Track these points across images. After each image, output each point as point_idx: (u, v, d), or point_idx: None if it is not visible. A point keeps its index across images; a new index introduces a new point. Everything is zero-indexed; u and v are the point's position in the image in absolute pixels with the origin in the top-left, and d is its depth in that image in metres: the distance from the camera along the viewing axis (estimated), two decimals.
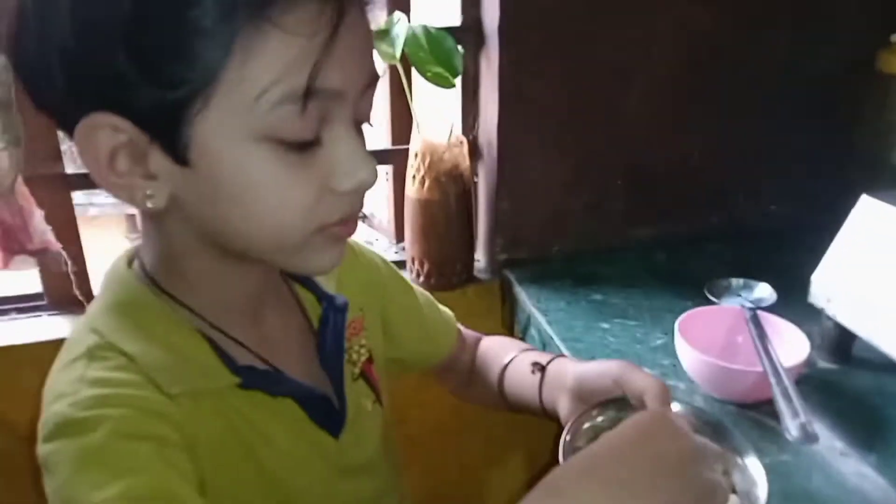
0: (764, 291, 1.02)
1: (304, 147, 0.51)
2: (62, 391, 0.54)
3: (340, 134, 0.53)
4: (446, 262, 1.22)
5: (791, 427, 0.74)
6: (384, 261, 0.83)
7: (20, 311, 1.21)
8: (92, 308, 0.61)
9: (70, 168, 1.15)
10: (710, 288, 1.03)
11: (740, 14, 1.22)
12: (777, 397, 0.78)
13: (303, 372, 0.66)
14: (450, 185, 1.17)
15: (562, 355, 0.85)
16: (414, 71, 1.13)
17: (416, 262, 1.23)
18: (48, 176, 1.12)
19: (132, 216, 2.86)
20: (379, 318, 0.80)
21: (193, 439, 0.56)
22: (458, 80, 1.19)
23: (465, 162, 1.18)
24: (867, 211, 0.91)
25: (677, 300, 1.12)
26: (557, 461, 0.61)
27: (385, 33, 1.10)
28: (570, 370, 0.74)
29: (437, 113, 1.31)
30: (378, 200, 1.41)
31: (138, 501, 0.49)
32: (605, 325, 1.08)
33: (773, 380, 0.81)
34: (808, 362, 0.93)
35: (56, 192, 1.14)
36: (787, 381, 0.80)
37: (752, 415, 0.87)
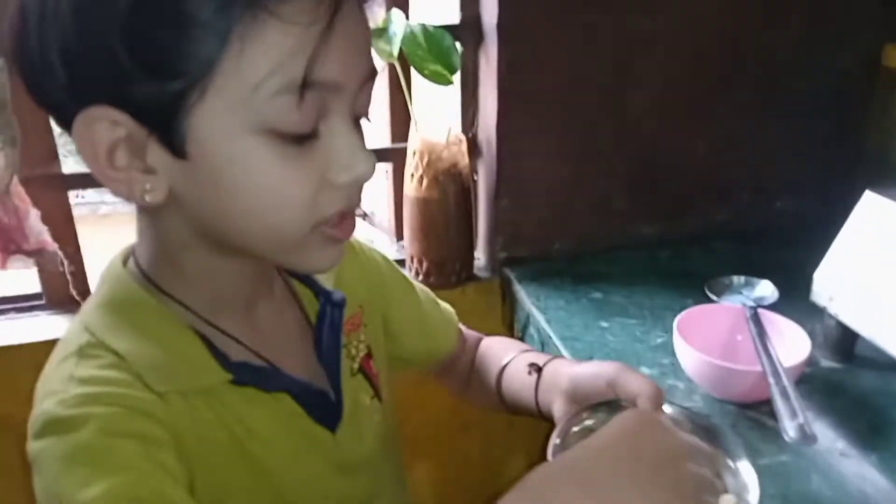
0: (766, 289, 1.00)
1: (302, 140, 0.51)
2: (51, 389, 0.54)
3: (338, 127, 0.52)
4: (445, 261, 1.21)
5: (789, 428, 0.73)
6: (385, 258, 0.83)
7: (19, 310, 1.21)
8: (86, 306, 0.61)
9: (67, 168, 1.15)
10: (711, 286, 1.02)
11: (748, 8, 1.21)
12: (775, 397, 0.77)
13: (300, 367, 0.66)
14: (448, 184, 1.16)
15: (560, 356, 0.84)
16: (412, 69, 1.12)
17: (415, 261, 1.22)
18: (45, 176, 1.12)
19: None
20: (379, 315, 0.79)
21: (182, 437, 0.56)
22: (457, 78, 1.19)
23: (464, 160, 1.17)
24: (871, 207, 0.89)
25: (679, 298, 1.11)
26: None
27: (383, 31, 1.09)
28: (565, 372, 0.73)
29: (437, 111, 1.30)
30: (378, 199, 1.40)
31: (124, 500, 0.49)
32: (605, 324, 1.07)
33: (771, 380, 0.79)
34: (810, 362, 0.91)
35: (53, 191, 1.14)
36: (786, 381, 0.79)
37: (752, 415, 0.86)
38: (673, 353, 0.92)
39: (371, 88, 0.56)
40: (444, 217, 1.17)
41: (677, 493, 0.49)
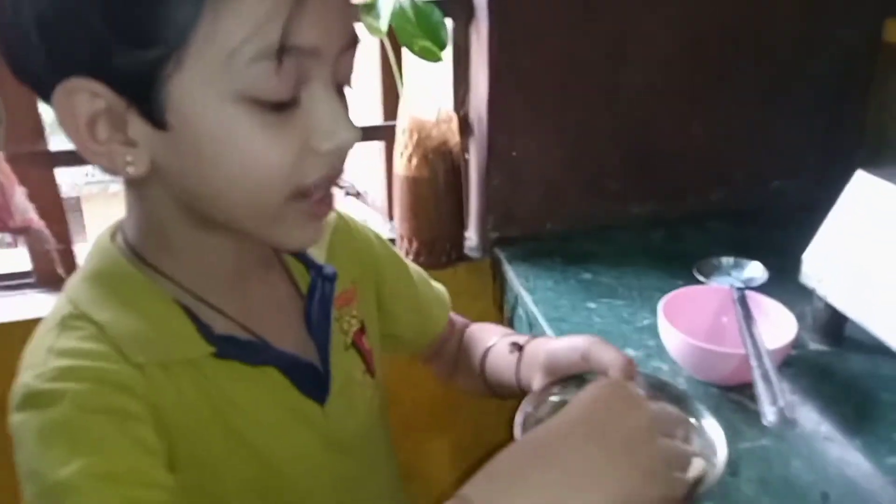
0: (755, 271, 0.99)
1: (282, 107, 0.51)
2: (31, 361, 0.54)
3: (319, 94, 0.52)
4: (435, 240, 1.20)
5: (768, 412, 0.72)
6: (378, 236, 0.82)
7: (9, 288, 1.21)
8: (72, 279, 0.61)
9: (54, 145, 1.14)
10: (700, 267, 1.00)
11: None
12: (757, 381, 0.76)
13: (289, 340, 0.66)
14: (438, 162, 1.14)
15: (543, 335, 0.84)
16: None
17: (405, 240, 1.21)
18: (31, 153, 1.12)
19: None
20: (372, 292, 0.79)
21: (162, 409, 0.56)
22: (448, 55, 1.17)
23: (455, 138, 1.16)
24: (862, 187, 0.88)
25: (669, 279, 1.10)
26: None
27: (371, 7, 1.08)
28: (543, 347, 0.73)
29: (430, 88, 1.28)
30: (372, 178, 1.39)
31: (99, 479, 0.49)
32: (592, 305, 1.06)
33: (754, 362, 0.78)
34: (797, 344, 0.90)
35: (40, 169, 1.13)
36: (768, 364, 0.78)
37: (735, 398, 0.85)
38: (659, 335, 0.91)
39: (353, 55, 0.55)
40: (433, 196, 1.16)
41: (649, 471, 0.48)
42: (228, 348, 0.60)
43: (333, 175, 0.57)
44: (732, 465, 0.75)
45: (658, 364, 0.92)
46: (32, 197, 1.12)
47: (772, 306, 0.90)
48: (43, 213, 1.13)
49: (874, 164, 0.89)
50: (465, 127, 1.24)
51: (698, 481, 0.53)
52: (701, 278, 0.99)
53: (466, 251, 1.28)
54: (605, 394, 0.52)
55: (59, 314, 0.57)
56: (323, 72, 0.52)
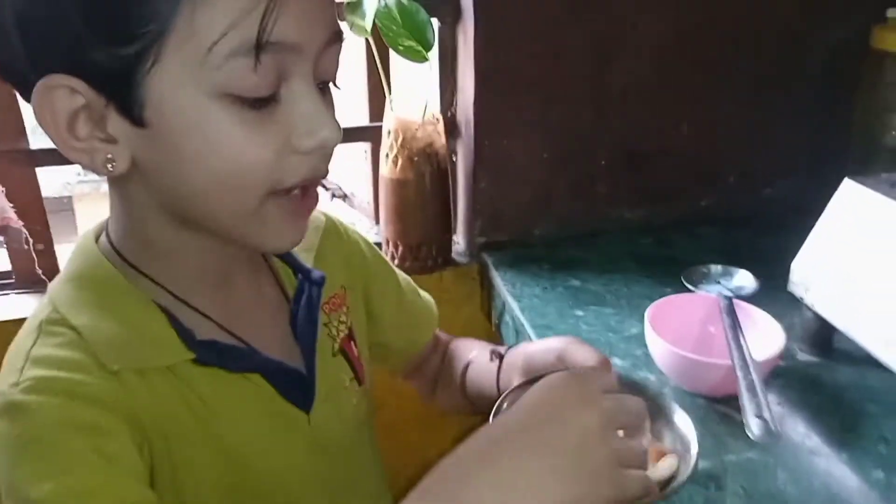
0: (744, 279, 0.97)
1: (262, 104, 0.50)
2: (11, 366, 0.54)
3: (300, 91, 0.52)
4: (421, 245, 1.18)
5: (752, 424, 0.70)
6: (367, 243, 0.82)
7: None
8: (56, 279, 0.60)
9: (35, 144, 1.13)
10: (688, 275, 0.99)
11: None
12: (742, 392, 0.74)
13: (274, 345, 0.65)
14: (424, 164, 1.13)
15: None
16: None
17: (390, 244, 1.19)
18: (12, 151, 1.10)
19: None
20: (362, 299, 0.78)
21: (139, 416, 0.55)
22: (435, 55, 1.16)
23: (441, 140, 1.14)
24: (849, 196, 0.86)
25: (658, 287, 1.08)
26: None
27: (356, 5, 1.06)
28: (521, 351, 0.73)
29: (417, 89, 1.27)
30: (358, 180, 1.37)
31: (72, 497, 0.49)
32: (580, 313, 1.04)
33: (739, 373, 0.77)
34: (785, 355, 0.89)
35: (20, 167, 1.11)
36: (754, 376, 0.76)
37: (722, 409, 0.83)
38: (646, 344, 0.90)
39: (337, 52, 0.54)
40: (419, 199, 1.15)
41: (598, 473, 0.47)
42: (209, 354, 0.59)
43: (317, 176, 0.56)
44: (717, 479, 0.73)
45: (645, 374, 0.91)
46: (12, 196, 1.10)
47: (760, 316, 0.89)
48: (23, 213, 1.12)
49: (863, 169, 0.87)
50: (452, 129, 1.22)
51: (670, 478, 0.53)
52: (689, 286, 0.98)
53: (454, 256, 1.26)
54: (556, 393, 0.51)
55: (40, 316, 0.57)
56: (304, 68, 0.51)
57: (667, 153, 1.26)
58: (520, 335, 1.05)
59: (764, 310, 0.89)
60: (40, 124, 0.50)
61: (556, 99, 1.17)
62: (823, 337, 0.91)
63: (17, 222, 1.09)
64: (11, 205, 1.09)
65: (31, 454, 0.50)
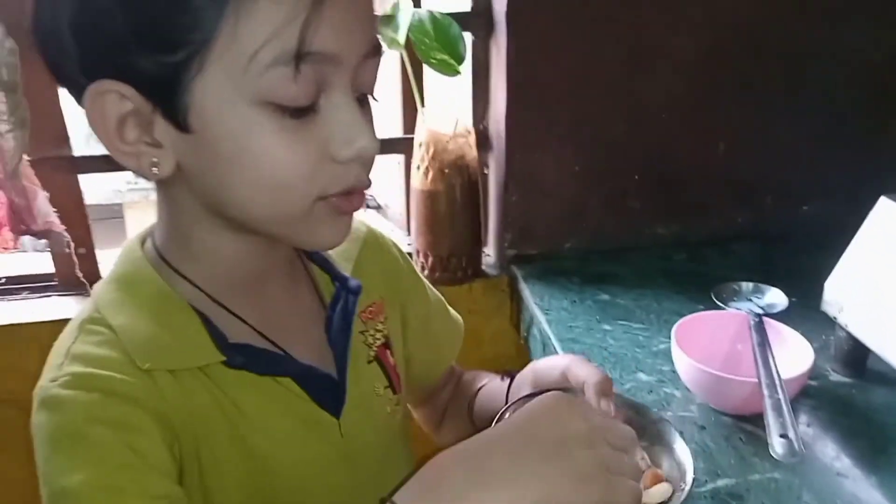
0: (775, 297, 0.96)
1: (302, 113, 0.51)
2: (52, 362, 0.56)
3: (338, 101, 0.52)
4: (451, 256, 1.19)
5: (776, 443, 0.69)
6: (404, 256, 0.82)
7: (32, 290, 1.23)
8: (100, 281, 0.62)
9: (78, 151, 1.16)
10: (718, 292, 0.98)
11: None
12: (767, 411, 0.73)
13: (308, 350, 0.65)
14: (455, 176, 1.13)
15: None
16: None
17: (421, 255, 1.20)
18: (55, 158, 1.13)
19: None
20: (398, 311, 0.78)
21: (170, 415, 0.56)
22: (468, 68, 1.16)
23: (472, 152, 1.15)
24: (886, 215, 0.84)
25: (689, 304, 1.07)
26: None
27: (390, 19, 1.07)
28: (530, 367, 0.73)
29: (451, 102, 1.28)
30: (392, 191, 1.38)
31: (101, 490, 0.51)
32: (608, 327, 1.04)
33: (765, 392, 0.75)
34: (815, 375, 0.87)
35: (63, 174, 1.15)
36: (781, 394, 0.75)
37: (748, 428, 0.82)
38: (673, 361, 0.89)
39: (376, 65, 0.55)
40: (449, 210, 1.15)
41: (583, 475, 0.47)
42: (239, 357, 0.60)
43: (358, 186, 0.56)
44: (740, 498, 0.72)
45: (671, 391, 0.90)
46: (56, 202, 1.14)
47: (790, 334, 0.87)
48: (66, 218, 1.15)
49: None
50: (484, 141, 1.23)
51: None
52: (719, 303, 0.96)
53: (484, 268, 1.26)
54: (547, 404, 0.51)
55: (83, 315, 0.59)
56: (343, 79, 0.52)
57: (702, 170, 1.25)
58: (546, 348, 1.04)
59: (796, 329, 0.88)
60: (91, 127, 0.52)
61: (588, 113, 1.17)
62: (857, 357, 0.89)
63: (59, 227, 1.12)
64: (55, 209, 1.13)
65: (65, 446, 0.52)
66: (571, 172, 1.20)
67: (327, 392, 0.66)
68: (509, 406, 0.67)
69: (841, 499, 0.72)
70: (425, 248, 1.19)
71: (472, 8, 1.16)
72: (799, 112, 1.22)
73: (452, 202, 1.15)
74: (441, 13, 1.08)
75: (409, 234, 1.34)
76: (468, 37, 1.14)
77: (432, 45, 1.07)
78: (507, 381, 0.75)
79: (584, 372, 0.65)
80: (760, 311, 0.92)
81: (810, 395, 0.87)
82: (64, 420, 0.53)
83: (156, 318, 0.58)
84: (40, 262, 1.26)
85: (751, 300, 0.97)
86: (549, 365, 0.70)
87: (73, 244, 1.15)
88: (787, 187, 1.28)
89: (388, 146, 1.26)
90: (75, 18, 0.50)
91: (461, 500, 0.46)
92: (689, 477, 0.59)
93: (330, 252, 0.70)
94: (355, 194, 0.57)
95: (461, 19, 1.11)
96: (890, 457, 0.77)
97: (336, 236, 0.59)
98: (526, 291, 1.15)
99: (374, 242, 0.76)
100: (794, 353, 0.84)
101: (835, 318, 0.88)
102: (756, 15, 1.15)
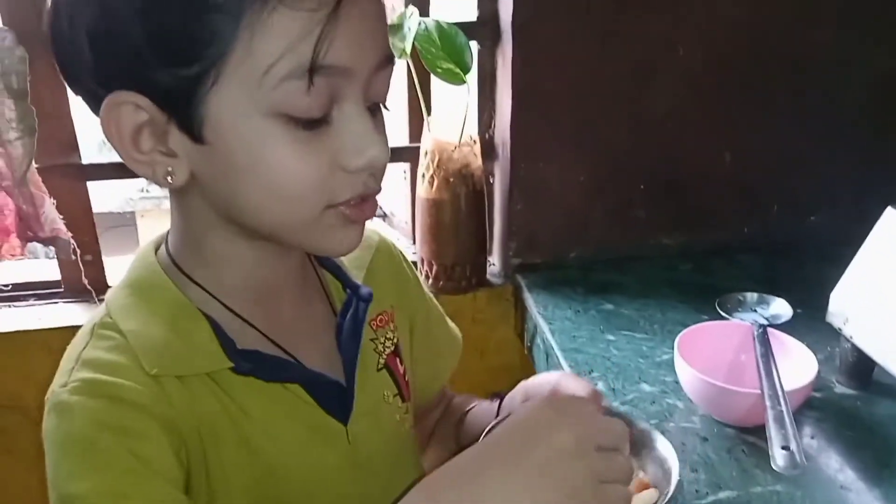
0: (780, 308, 0.95)
1: (314, 124, 0.52)
2: (63, 367, 0.57)
3: (350, 112, 0.53)
4: (455, 265, 1.19)
5: (777, 455, 0.68)
6: (411, 267, 0.82)
7: (38, 297, 1.24)
8: (113, 286, 0.63)
9: (87, 159, 1.17)
10: (722, 302, 0.97)
11: (779, 7, 1.15)
12: (769, 422, 0.72)
13: (317, 357, 0.66)
14: (459, 185, 1.14)
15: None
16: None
17: (425, 264, 1.20)
18: (63, 165, 1.14)
19: None
20: (407, 320, 0.79)
21: (177, 421, 0.56)
22: (474, 78, 1.17)
23: (477, 161, 1.15)
24: (893, 224, 0.84)
25: (694, 314, 1.06)
26: None
27: (397, 28, 1.08)
28: (520, 386, 0.73)
29: (457, 111, 1.28)
30: (397, 200, 1.39)
31: (108, 497, 0.51)
32: (611, 337, 1.03)
33: (768, 403, 0.75)
34: (821, 386, 0.87)
35: (71, 181, 1.16)
36: (783, 406, 0.74)
37: (751, 439, 0.81)
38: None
39: (388, 75, 0.56)
40: (454, 219, 1.15)
41: (575, 489, 0.47)
42: (247, 364, 0.60)
43: (368, 194, 0.57)
44: None
45: (673, 401, 0.89)
46: (63, 208, 1.14)
47: (794, 346, 0.86)
48: (73, 225, 1.16)
49: None
50: (489, 150, 1.23)
51: None
52: (723, 314, 0.96)
53: (488, 277, 1.26)
54: (532, 416, 0.51)
55: (95, 320, 0.59)
56: (355, 90, 0.53)
57: (708, 179, 1.24)
58: (550, 358, 1.04)
59: (801, 340, 0.87)
60: (106, 137, 0.53)
61: (594, 122, 1.17)
62: (862, 370, 0.88)
63: (66, 234, 1.13)
64: (63, 217, 1.13)
65: (73, 452, 0.53)
66: (576, 181, 1.20)
67: (335, 399, 0.66)
68: (500, 421, 0.66)
69: None
70: (430, 256, 1.19)
71: (479, 17, 1.17)
72: (806, 121, 1.22)
73: (457, 211, 1.15)
74: (447, 23, 1.08)
75: (413, 243, 1.34)
76: (474, 46, 1.14)
77: (438, 55, 1.08)
78: (497, 401, 0.75)
79: (573, 387, 0.65)
80: (765, 322, 0.91)
81: (815, 406, 0.87)
82: (72, 426, 0.53)
83: (166, 323, 0.58)
84: (47, 268, 1.27)
85: (755, 311, 0.96)
86: (540, 382, 0.70)
87: (78, 251, 1.16)
88: (794, 197, 1.27)
89: (394, 155, 1.25)
90: (93, 29, 0.50)
91: None
92: (675, 478, 0.59)
93: (342, 259, 0.71)
94: (366, 203, 0.57)
95: (467, 29, 1.11)
96: (894, 470, 0.76)
97: (347, 244, 0.59)
98: (530, 301, 1.15)
99: (387, 251, 0.77)
100: (798, 365, 0.84)
101: (840, 329, 0.87)
102: (761, 23, 1.15)
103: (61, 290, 1.24)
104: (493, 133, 1.23)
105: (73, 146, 1.16)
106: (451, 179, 1.13)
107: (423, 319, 0.82)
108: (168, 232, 0.63)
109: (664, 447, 0.62)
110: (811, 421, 0.85)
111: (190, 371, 0.58)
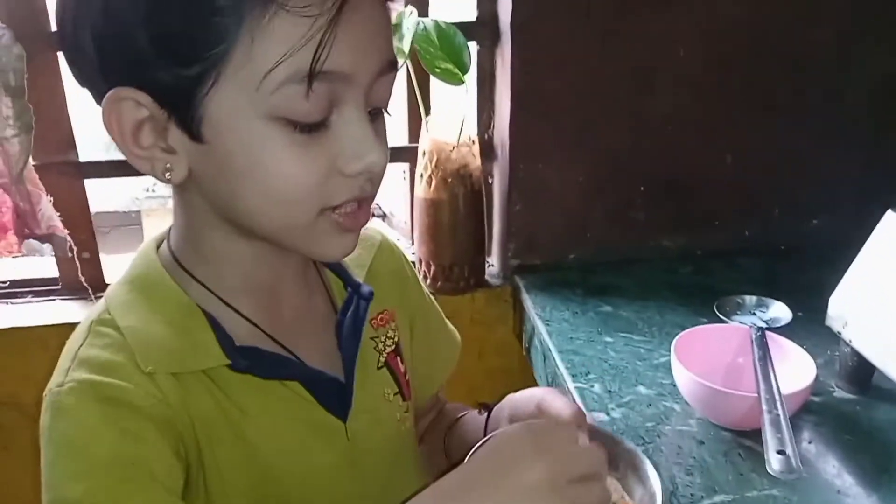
0: (779, 311, 0.94)
1: (313, 128, 0.52)
2: (62, 364, 0.57)
3: (350, 118, 0.53)
4: (453, 265, 1.18)
5: (773, 459, 0.67)
6: (412, 268, 0.82)
7: (35, 294, 1.24)
8: (114, 282, 0.63)
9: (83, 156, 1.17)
10: (721, 305, 0.96)
11: (779, 7, 1.14)
12: (765, 426, 0.72)
13: (317, 355, 0.66)
14: (457, 186, 1.13)
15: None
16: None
17: (423, 264, 1.19)
18: (60, 163, 1.14)
19: None
20: (407, 321, 0.78)
21: (172, 422, 0.56)
22: (473, 78, 1.16)
23: (475, 162, 1.14)
24: (893, 228, 0.83)
25: (693, 317, 1.05)
26: None
27: (396, 28, 1.07)
28: (507, 399, 0.72)
29: (456, 111, 1.27)
30: (396, 200, 1.38)
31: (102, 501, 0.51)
32: (609, 339, 1.02)
33: (764, 406, 0.74)
34: (819, 391, 0.86)
35: (68, 179, 1.15)
36: (780, 409, 0.73)
37: (748, 443, 0.81)
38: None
39: (390, 81, 0.56)
40: (452, 220, 1.15)
41: None
42: (244, 361, 0.60)
43: (363, 197, 0.57)
44: None
45: (670, 404, 0.88)
46: (60, 206, 1.14)
47: (793, 349, 0.86)
48: (70, 223, 1.16)
49: None
50: (488, 151, 1.22)
51: None
52: (721, 316, 0.95)
53: (487, 278, 1.26)
54: (508, 447, 0.51)
55: (93, 316, 0.60)
56: (355, 96, 0.53)
57: (709, 182, 1.23)
58: (547, 359, 1.03)
59: (801, 344, 0.86)
60: (107, 131, 0.54)
61: (593, 123, 1.16)
62: (861, 374, 0.87)
63: (62, 231, 1.13)
64: (59, 214, 1.13)
65: (67, 455, 0.53)
66: (576, 182, 1.19)
67: (334, 395, 0.66)
68: (485, 441, 0.66)
69: None
70: (427, 257, 1.19)
71: (478, 17, 1.16)
72: (807, 122, 1.21)
73: (455, 211, 1.14)
74: (446, 22, 1.08)
75: (412, 244, 1.34)
76: (473, 46, 1.14)
77: (437, 55, 1.07)
78: (485, 413, 0.74)
79: (557, 405, 0.64)
80: (763, 325, 0.91)
81: (813, 411, 0.86)
82: (67, 428, 0.54)
83: (165, 320, 0.58)
84: (44, 266, 1.27)
85: (754, 314, 0.95)
86: (525, 397, 0.69)
87: (75, 248, 1.16)
88: (795, 199, 1.27)
89: (393, 155, 1.24)
90: (98, 28, 0.51)
91: None
92: (659, 501, 0.58)
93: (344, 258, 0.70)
94: (360, 210, 0.57)
95: (466, 29, 1.11)
96: (892, 475, 0.75)
97: (339, 250, 0.60)
98: (528, 302, 1.14)
99: (389, 251, 0.77)
100: (796, 369, 0.83)
101: (839, 333, 0.86)
102: (762, 23, 1.14)
103: (59, 287, 1.24)
104: (492, 133, 1.22)
105: (71, 144, 1.15)
106: (450, 180, 1.12)
107: (422, 321, 0.81)
108: (170, 229, 0.64)
109: (650, 471, 0.61)
110: (809, 425, 0.84)
111: (186, 368, 0.58)
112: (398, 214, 1.40)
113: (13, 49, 1.04)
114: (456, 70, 1.08)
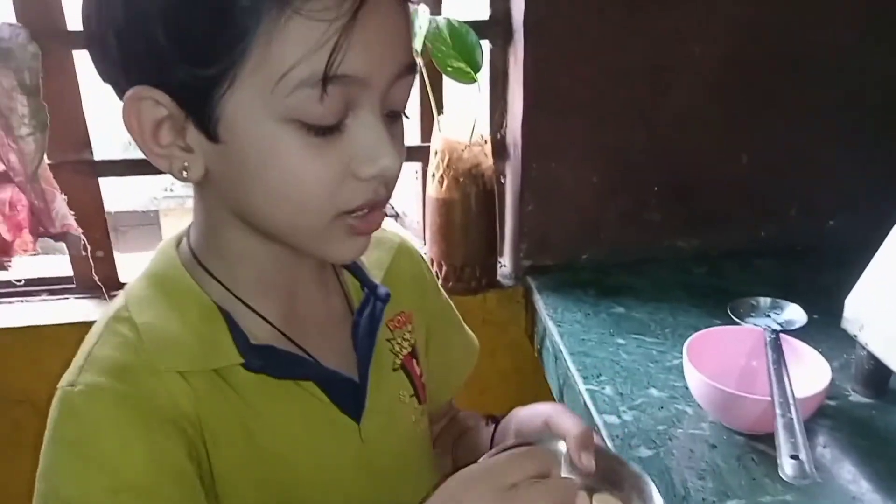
0: (794, 313, 0.93)
1: (328, 131, 0.52)
2: (77, 360, 0.57)
3: (365, 121, 0.53)
4: (465, 266, 1.18)
5: (786, 464, 0.66)
6: (430, 272, 0.82)
7: (50, 293, 1.25)
8: (133, 278, 0.64)
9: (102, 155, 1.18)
10: (734, 307, 0.95)
11: (795, 6, 1.13)
12: (778, 429, 0.71)
13: (332, 355, 0.66)
14: (469, 185, 1.13)
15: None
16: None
17: (435, 264, 1.19)
18: (75, 162, 1.15)
19: None
20: (424, 324, 0.78)
21: (182, 422, 0.57)
22: (486, 77, 1.16)
23: (488, 161, 1.14)
24: None
25: (707, 318, 1.04)
26: None
27: None
28: (514, 413, 0.71)
29: (469, 110, 1.27)
30: (409, 200, 1.38)
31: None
32: (621, 341, 1.02)
33: (777, 410, 0.73)
34: (835, 394, 0.85)
35: (83, 177, 1.16)
36: (794, 413, 0.72)
37: (761, 447, 0.79)
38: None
39: (408, 84, 0.56)
40: (464, 219, 1.14)
41: None
42: (258, 361, 0.60)
43: (377, 201, 0.57)
44: None
45: (682, 407, 0.87)
46: (75, 205, 1.15)
47: (808, 352, 0.84)
48: (85, 221, 1.17)
49: None
50: (501, 150, 1.22)
51: None
52: (735, 318, 0.94)
53: (499, 278, 1.25)
54: (468, 494, 0.50)
55: (112, 309, 0.60)
56: (371, 99, 0.53)
57: (724, 182, 1.22)
58: (559, 361, 1.03)
59: (816, 347, 0.85)
60: (127, 128, 0.54)
61: (607, 123, 1.15)
62: (878, 378, 0.86)
63: (76, 229, 1.13)
64: (73, 212, 1.14)
65: (70, 455, 0.54)
66: (589, 182, 1.19)
67: (349, 396, 0.65)
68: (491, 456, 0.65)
69: None
70: (439, 256, 1.18)
71: (490, 16, 1.16)
72: (824, 123, 1.20)
73: (467, 211, 1.14)
74: (459, 21, 1.07)
75: (424, 243, 1.33)
76: (486, 45, 1.13)
77: (449, 53, 1.07)
78: (493, 426, 0.74)
79: (566, 424, 0.63)
80: (778, 328, 0.89)
81: (828, 415, 0.84)
82: (74, 429, 0.54)
83: (181, 317, 0.59)
84: (59, 264, 1.28)
85: (769, 316, 0.94)
86: (532, 413, 0.68)
87: (89, 247, 1.16)
88: (813, 200, 1.25)
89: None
90: (121, 28, 0.52)
91: None
92: None
93: (362, 259, 0.70)
94: (373, 213, 0.57)
95: (479, 27, 1.10)
96: None
97: (350, 253, 0.60)
98: (540, 303, 1.13)
99: (407, 254, 0.77)
100: (811, 372, 0.82)
101: (855, 335, 0.85)
102: (779, 25, 1.13)
103: (73, 285, 1.25)
104: (505, 132, 1.22)
105: (86, 142, 1.16)
106: (462, 179, 1.12)
107: (440, 326, 0.81)
108: (190, 226, 0.64)
109: (654, 492, 0.60)
110: (824, 430, 0.83)
111: (199, 366, 0.58)
112: (410, 214, 1.40)
113: (28, 47, 1.05)
114: (468, 69, 1.07)
